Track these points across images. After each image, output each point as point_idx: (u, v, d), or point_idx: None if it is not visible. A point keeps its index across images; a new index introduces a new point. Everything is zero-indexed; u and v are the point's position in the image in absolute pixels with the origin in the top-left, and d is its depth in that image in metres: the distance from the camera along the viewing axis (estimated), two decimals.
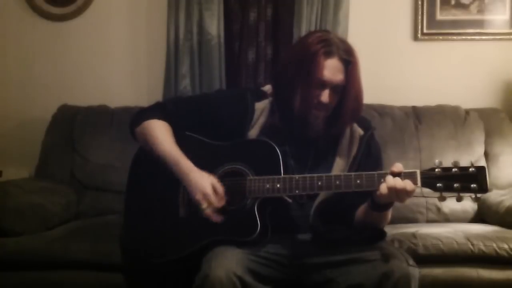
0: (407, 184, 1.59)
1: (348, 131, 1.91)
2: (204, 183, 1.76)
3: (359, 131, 1.91)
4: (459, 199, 1.59)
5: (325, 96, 1.81)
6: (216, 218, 1.75)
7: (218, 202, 1.75)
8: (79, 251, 2.27)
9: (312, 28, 3.03)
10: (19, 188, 2.55)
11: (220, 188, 1.77)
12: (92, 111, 3.04)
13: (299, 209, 1.82)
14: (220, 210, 1.76)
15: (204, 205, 1.74)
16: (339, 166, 1.86)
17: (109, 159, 2.89)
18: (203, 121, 1.92)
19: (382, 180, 1.63)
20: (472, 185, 1.56)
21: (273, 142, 1.80)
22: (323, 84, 1.81)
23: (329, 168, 1.86)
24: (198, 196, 1.75)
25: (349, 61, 1.82)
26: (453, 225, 2.58)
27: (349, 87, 1.82)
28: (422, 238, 2.27)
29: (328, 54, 1.81)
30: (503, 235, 2.32)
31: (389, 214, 1.78)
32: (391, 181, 1.61)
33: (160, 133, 1.88)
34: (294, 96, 1.83)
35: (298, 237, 1.84)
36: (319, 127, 1.86)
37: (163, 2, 3.14)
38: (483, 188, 1.56)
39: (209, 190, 1.75)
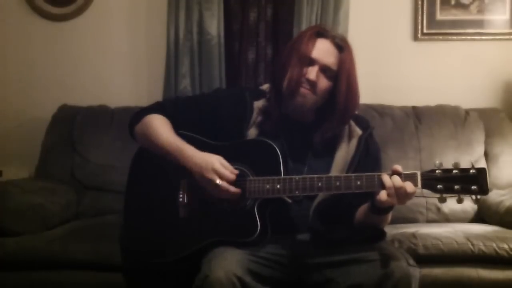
0: (408, 185, 1.59)
1: (346, 130, 1.91)
2: (211, 160, 1.74)
3: (358, 130, 1.91)
4: (459, 201, 1.59)
5: (312, 73, 1.82)
6: (234, 190, 1.73)
7: (230, 175, 1.73)
8: (79, 251, 2.27)
9: None
10: (19, 188, 2.55)
11: (226, 162, 1.75)
12: (92, 111, 3.04)
13: (299, 210, 1.82)
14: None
15: (217, 180, 1.72)
16: (337, 166, 1.86)
17: (109, 159, 2.89)
18: (202, 121, 1.92)
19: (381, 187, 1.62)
20: (472, 187, 1.56)
21: (265, 133, 1.81)
22: (312, 62, 1.83)
23: (328, 168, 1.86)
24: (209, 174, 1.72)
25: (342, 47, 1.86)
26: (453, 225, 2.58)
27: (341, 73, 1.83)
28: (422, 238, 2.27)
29: (320, 35, 1.86)
30: (503, 235, 2.32)
31: (389, 216, 1.78)
32: (388, 181, 1.60)
33: (160, 125, 1.87)
34: (284, 78, 1.85)
35: (298, 237, 1.84)
36: (305, 109, 1.86)
37: (163, 2, 3.14)
38: (484, 189, 1.56)
39: (218, 165, 1.73)
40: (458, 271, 2.24)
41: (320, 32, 1.87)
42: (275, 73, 1.94)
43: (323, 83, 1.84)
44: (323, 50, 1.84)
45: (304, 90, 1.83)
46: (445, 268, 2.24)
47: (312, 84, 1.82)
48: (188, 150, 1.80)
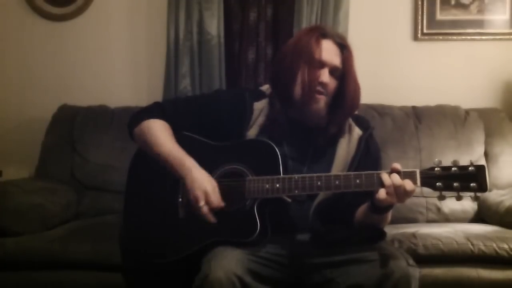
0: (407, 183, 1.59)
1: (346, 131, 1.91)
2: (207, 182, 1.75)
3: (358, 131, 1.91)
4: (458, 198, 1.59)
5: (325, 75, 1.82)
6: (211, 218, 1.74)
7: (216, 203, 1.74)
8: (79, 251, 2.27)
9: None
10: (19, 188, 2.55)
11: (218, 192, 1.76)
12: (92, 111, 3.04)
13: (298, 209, 1.81)
14: (215, 213, 1.75)
15: (202, 202, 1.73)
16: (337, 167, 1.86)
17: (109, 159, 2.89)
18: (202, 122, 1.91)
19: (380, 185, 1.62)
20: (471, 184, 1.56)
21: (272, 140, 1.80)
22: (322, 65, 1.83)
23: (328, 169, 1.85)
24: (198, 193, 1.73)
25: (343, 45, 1.86)
26: (453, 225, 2.58)
27: (347, 71, 1.84)
28: (422, 238, 2.27)
29: (323, 36, 1.86)
30: (503, 235, 2.32)
31: (389, 215, 1.78)
32: (387, 179, 1.60)
33: (161, 132, 1.87)
34: (293, 84, 1.84)
35: (298, 237, 1.83)
36: (321, 115, 1.86)
37: (163, 2, 3.15)
38: (483, 187, 1.56)
39: (210, 189, 1.74)
40: (458, 271, 2.24)
41: (323, 33, 1.88)
42: (279, 78, 1.91)
43: (332, 84, 1.85)
44: (329, 51, 1.84)
45: (319, 96, 1.83)
46: (445, 268, 2.24)
47: (325, 87, 1.83)
48: (188, 163, 1.80)
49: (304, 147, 1.90)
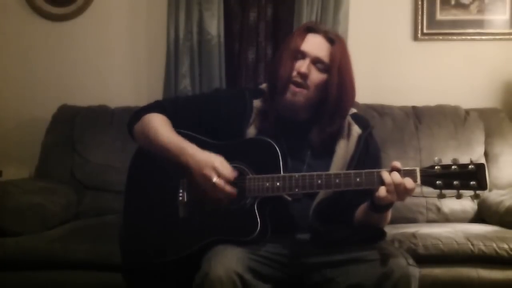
0: (407, 181, 1.59)
1: (345, 129, 1.90)
2: (213, 158, 1.74)
3: (357, 130, 1.90)
4: (458, 197, 1.58)
5: (303, 65, 1.81)
6: (229, 189, 1.72)
7: (228, 174, 1.72)
8: (79, 251, 2.27)
9: None
10: (19, 188, 2.56)
11: (227, 163, 1.74)
12: (92, 111, 3.04)
13: (298, 208, 1.81)
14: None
15: (215, 177, 1.71)
16: (336, 165, 1.85)
17: (109, 159, 2.89)
18: (202, 120, 1.91)
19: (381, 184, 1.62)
20: (471, 182, 1.56)
21: (268, 135, 1.80)
22: (303, 55, 1.83)
23: (327, 168, 1.84)
24: (207, 171, 1.71)
25: (334, 40, 1.86)
26: (453, 225, 2.58)
27: (332, 65, 1.83)
28: (422, 238, 2.27)
29: (310, 30, 1.87)
30: (503, 235, 2.32)
31: (389, 214, 1.78)
32: (387, 178, 1.60)
33: (160, 124, 1.86)
34: (278, 76, 1.84)
35: (298, 237, 1.83)
36: (297, 107, 1.85)
37: (163, 2, 3.15)
38: (483, 185, 1.56)
39: (218, 163, 1.72)
40: (458, 271, 2.24)
41: (310, 28, 1.88)
42: (271, 73, 1.93)
43: (315, 75, 1.83)
44: (313, 43, 1.84)
45: (295, 88, 1.82)
46: (445, 268, 2.24)
47: (304, 77, 1.82)
48: (190, 148, 1.78)
49: (303, 146, 1.89)
